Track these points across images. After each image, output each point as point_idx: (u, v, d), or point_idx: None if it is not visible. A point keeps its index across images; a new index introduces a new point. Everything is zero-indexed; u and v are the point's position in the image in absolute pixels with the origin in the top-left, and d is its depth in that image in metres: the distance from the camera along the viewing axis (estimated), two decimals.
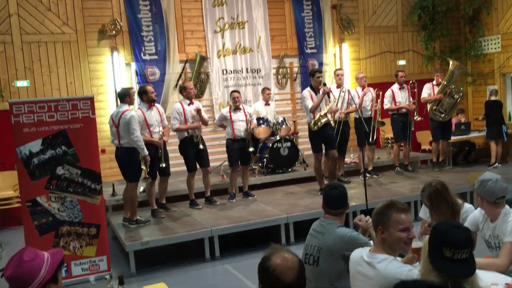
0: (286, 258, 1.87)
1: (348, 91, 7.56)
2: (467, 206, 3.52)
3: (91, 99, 5.38)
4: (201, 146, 6.85)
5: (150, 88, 6.57)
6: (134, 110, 6.39)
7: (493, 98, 9.88)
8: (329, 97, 7.14)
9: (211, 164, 7.66)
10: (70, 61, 8.51)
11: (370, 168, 8.37)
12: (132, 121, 5.91)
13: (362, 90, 8.12)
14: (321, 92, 6.94)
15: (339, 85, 7.87)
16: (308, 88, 7.16)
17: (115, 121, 6.07)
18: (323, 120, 6.92)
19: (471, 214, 3.37)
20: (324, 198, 3.23)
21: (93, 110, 5.36)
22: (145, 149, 6.02)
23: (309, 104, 6.95)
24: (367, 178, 7.60)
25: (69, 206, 5.26)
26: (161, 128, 6.56)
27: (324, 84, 7.04)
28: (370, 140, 8.05)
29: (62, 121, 5.21)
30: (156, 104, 6.71)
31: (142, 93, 6.52)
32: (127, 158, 6.08)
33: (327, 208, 3.19)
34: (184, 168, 7.10)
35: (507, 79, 10.93)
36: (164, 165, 6.56)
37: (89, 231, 5.39)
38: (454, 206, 3.37)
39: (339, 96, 7.60)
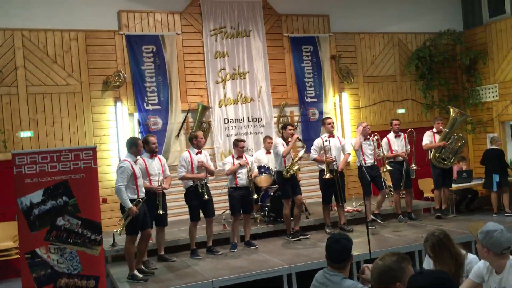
0: None
1: (338, 137, 7.99)
2: (471, 257, 3.47)
3: (93, 149, 5.44)
4: (206, 197, 6.87)
5: (152, 139, 6.67)
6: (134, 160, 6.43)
7: (492, 146, 9.80)
8: (300, 140, 7.81)
9: None
10: (74, 112, 8.64)
11: (376, 212, 8.41)
12: (119, 171, 5.91)
13: (365, 139, 8.19)
14: (292, 139, 7.48)
15: (330, 134, 7.91)
16: (280, 138, 7.76)
17: None
18: (295, 168, 7.42)
19: (476, 266, 3.31)
20: (327, 251, 3.19)
21: (95, 160, 5.40)
22: (128, 202, 5.89)
23: (281, 149, 7.42)
24: (371, 225, 7.61)
25: (68, 257, 5.20)
26: (161, 177, 6.58)
27: (299, 139, 7.72)
28: (383, 185, 8.29)
29: (64, 171, 5.24)
30: (158, 155, 6.79)
31: (144, 143, 6.59)
32: (122, 208, 6.04)
33: (329, 261, 3.15)
34: (186, 217, 7.05)
35: (506, 126, 11.02)
36: (161, 212, 6.52)
37: (88, 283, 5.30)
38: (458, 257, 3.32)
39: (328, 144, 7.70)
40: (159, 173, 6.58)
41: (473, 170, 11.05)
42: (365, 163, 8.00)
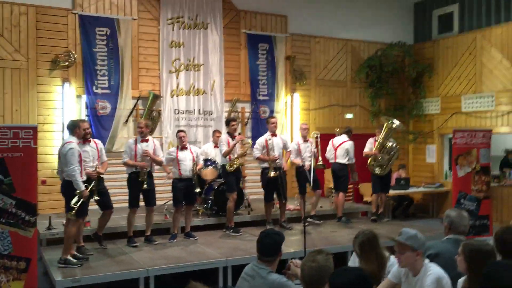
0: None
1: (280, 137, 8.19)
2: (392, 259, 3.68)
3: (33, 128, 5.28)
4: (145, 186, 6.81)
5: (84, 124, 6.39)
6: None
7: None
8: (243, 143, 7.88)
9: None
10: (18, 89, 8.35)
11: (312, 213, 8.55)
12: (69, 154, 5.78)
13: (304, 141, 8.40)
14: (236, 139, 7.63)
15: (273, 133, 8.05)
16: (226, 135, 7.82)
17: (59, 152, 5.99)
18: (238, 163, 7.66)
19: (395, 267, 3.52)
20: (258, 244, 3.31)
21: (35, 140, 5.25)
22: (81, 184, 5.82)
23: (224, 149, 7.56)
24: (307, 224, 7.80)
25: None
26: (96, 163, 6.43)
27: (239, 133, 7.95)
28: (312, 185, 8.21)
29: (1, 149, 5.07)
30: (95, 140, 6.64)
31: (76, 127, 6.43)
32: (67, 191, 5.93)
33: (259, 254, 3.27)
34: (122, 205, 7.02)
35: (445, 139, 11.60)
36: (97, 198, 6.43)
37: (18, 264, 5.15)
38: (381, 258, 3.53)
39: (271, 143, 7.84)
40: (93, 158, 6.40)
41: (411, 178, 11.56)
42: (303, 164, 8.21)
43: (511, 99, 9.97)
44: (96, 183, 6.36)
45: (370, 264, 3.52)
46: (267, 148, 7.82)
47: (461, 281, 3.17)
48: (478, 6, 10.91)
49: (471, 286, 2.98)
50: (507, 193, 10.20)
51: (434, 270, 3.25)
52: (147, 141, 6.98)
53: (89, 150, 6.40)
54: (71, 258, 5.94)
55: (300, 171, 8.14)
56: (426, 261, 3.33)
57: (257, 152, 7.95)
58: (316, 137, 8.61)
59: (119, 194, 8.41)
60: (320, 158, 8.53)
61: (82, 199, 5.85)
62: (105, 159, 6.70)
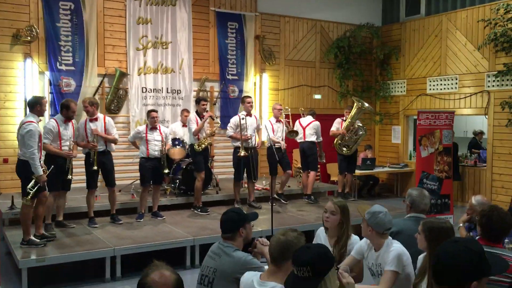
0: (163, 275, 1.87)
1: (255, 116, 8.15)
2: (353, 237, 3.80)
3: None
4: (95, 167, 6.67)
5: (74, 106, 6.41)
6: (47, 121, 6.18)
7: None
8: (213, 119, 8.07)
9: (122, 182, 7.51)
10: None
11: (280, 191, 8.61)
12: (27, 135, 5.53)
13: (276, 121, 8.41)
14: (205, 117, 7.61)
15: (248, 113, 8.07)
16: (194, 114, 7.78)
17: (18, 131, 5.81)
18: (206, 143, 7.68)
19: (357, 244, 3.63)
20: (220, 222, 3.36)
21: None
22: (39, 168, 5.60)
23: (193, 127, 7.51)
24: (274, 204, 7.88)
25: None
26: (72, 143, 6.44)
27: (211, 117, 7.92)
28: (288, 166, 8.40)
29: None
30: (72, 120, 6.55)
31: (64, 107, 6.36)
32: (23, 172, 5.69)
33: (221, 233, 3.31)
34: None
35: (410, 120, 11.86)
36: (70, 177, 6.36)
37: None
38: (345, 233, 3.67)
39: (244, 122, 7.84)
40: (70, 138, 6.40)
41: (377, 158, 11.80)
42: (274, 145, 8.24)
43: (474, 82, 10.24)
44: (71, 163, 6.32)
45: (337, 231, 3.74)
46: (240, 127, 7.81)
47: (421, 257, 3.28)
48: None
49: (431, 263, 3.09)
50: (467, 173, 10.56)
51: (395, 247, 3.35)
52: (96, 119, 6.79)
53: (69, 129, 6.40)
54: (34, 239, 5.82)
55: (271, 152, 8.11)
56: (389, 238, 3.43)
57: (230, 131, 7.95)
58: (287, 111, 8.62)
59: (82, 173, 8.30)
60: (291, 126, 8.59)
61: (39, 184, 5.62)
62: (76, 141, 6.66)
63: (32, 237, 5.82)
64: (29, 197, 5.54)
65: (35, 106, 5.84)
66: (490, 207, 3.39)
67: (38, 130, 5.70)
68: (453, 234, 3.15)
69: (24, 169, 5.65)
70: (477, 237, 3.43)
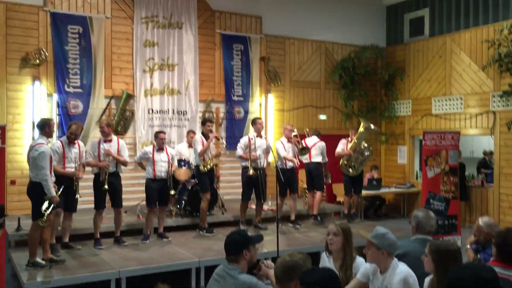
0: None
1: (264, 138, 8.14)
2: (358, 259, 3.77)
3: (2, 128, 5.19)
4: (106, 187, 6.72)
5: (74, 128, 6.47)
6: (53, 143, 6.27)
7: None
8: (218, 140, 8.16)
9: (128, 203, 7.53)
10: None
11: (292, 218, 8.48)
12: (40, 157, 5.59)
13: (288, 141, 8.40)
14: (210, 138, 7.63)
15: (258, 133, 8.10)
16: (200, 135, 7.81)
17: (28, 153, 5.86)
18: (212, 163, 7.67)
19: (363, 266, 3.60)
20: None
21: (3, 140, 5.16)
22: (52, 189, 5.66)
23: (199, 148, 7.53)
24: (291, 225, 7.91)
25: None
26: (77, 164, 6.51)
27: (217, 138, 7.99)
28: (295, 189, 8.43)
29: None
30: (79, 141, 6.64)
31: (67, 129, 6.56)
32: (34, 193, 5.73)
33: (226, 255, 3.30)
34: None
35: (415, 140, 11.84)
36: (78, 196, 6.43)
37: None
38: (349, 255, 3.65)
39: (254, 143, 7.87)
40: (75, 159, 6.45)
41: (383, 178, 11.76)
42: (286, 166, 8.24)
43: (479, 102, 10.25)
44: (78, 184, 6.41)
45: (342, 255, 3.71)
46: (249, 147, 7.83)
47: (427, 280, 3.25)
48: (448, 11, 11.18)
49: (438, 286, 3.06)
50: (474, 193, 10.48)
51: (401, 269, 3.33)
52: (110, 141, 6.89)
53: (73, 151, 6.45)
54: (39, 260, 5.81)
55: (280, 173, 8.07)
56: (395, 260, 3.41)
57: (239, 151, 7.97)
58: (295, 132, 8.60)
59: (91, 194, 8.32)
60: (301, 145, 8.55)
61: (52, 205, 5.68)
62: (84, 162, 6.70)
63: (38, 259, 5.81)
64: (45, 218, 5.60)
65: (44, 128, 5.91)
66: (507, 229, 3.37)
67: (49, 152, 5.79)
68: (460, 256, 3.13)
69: (36, 191, 5.69)
70: (491, 259, 3.40)
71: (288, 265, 2.80)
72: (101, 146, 6.78)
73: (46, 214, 5.61)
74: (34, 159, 5.64)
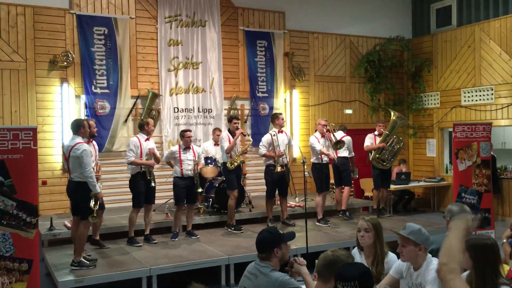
0: None
1: (285, 133, 8.18)
2: (390, 255, 3.70)
3: (33, 130, 5.28)
4: (153, 184, 6.91)
5: (92, 122, 6.57)
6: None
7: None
8: (244, 136, 8.17)
9: (156, 202, 7.57)
10: (16, 90, 8.34)
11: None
12: (84, 155, 5.68)
13: (321, 136, 8.31)
14: (236, 134, 7.66)
15: (280, 129, 8.03)
16: (226, 132, 7.85)
17: (65, 154, 5.92)
18: (239, 160, 7.69)
19: (396, 263, 3.52)
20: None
21: (35, 141, 5.24)
22: (98, 186, 5.79)
23: (226, 145, 7.58)
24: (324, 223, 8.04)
25: (0, 239, 5.05)
26: (95, 163, 6.50)
27: (243, 134, 8.01)
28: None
29: (1, 151, 5.06)
30: (93, 141, 6.68)
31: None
32: (79, 192, 5.80)
33: (257, 252, 3.28)
34: (123, 204, 7.01)
35: (445, 133, 11.60)
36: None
37: (20, 266, 5.15)
38: (380, 251, 3.58)
39: (276, 139, 7.82)
40: (93, 158, 6.47)
41: (412, 172, 11.56)
42: (322, 161, 8.17)
43: (510, 92, 9.96)
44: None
45: (373, 251, 3.67)
46: (273, 144, 7.80)
47: (464, 275, 3.16)
48: None
49: (477, 281, 2.97)
50: (508, 186, 10.21)
51: (435, 265, 3.24)
52: (149, 139, 7.03)
53: (92, 151, 6.46)
54: (84, 260, 5.90)
55: (318, 168, 8.12)
56: (428, 256, 3.33)
57: (263, 149, 7.92)
58: (328, 129, 8.47)
59: (119, 193, 8.44)
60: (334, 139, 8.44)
61: (98, 201, 5.86)
62: (97, 160, 6.77)
63: (83, 259, 5.88)
64: (95, 214, 5.78)
65: (79, 128, 5.96)
66: None
67: (90, 150, 5.92)
68: (498, 250, 3.04)
69: (80, 190, 5.76)
70: None
71: (329, 260, 2.82)
72: (143, 144, 6.90)
73: (95, 211, 5.76)
74: (77, 158, 5.68)
